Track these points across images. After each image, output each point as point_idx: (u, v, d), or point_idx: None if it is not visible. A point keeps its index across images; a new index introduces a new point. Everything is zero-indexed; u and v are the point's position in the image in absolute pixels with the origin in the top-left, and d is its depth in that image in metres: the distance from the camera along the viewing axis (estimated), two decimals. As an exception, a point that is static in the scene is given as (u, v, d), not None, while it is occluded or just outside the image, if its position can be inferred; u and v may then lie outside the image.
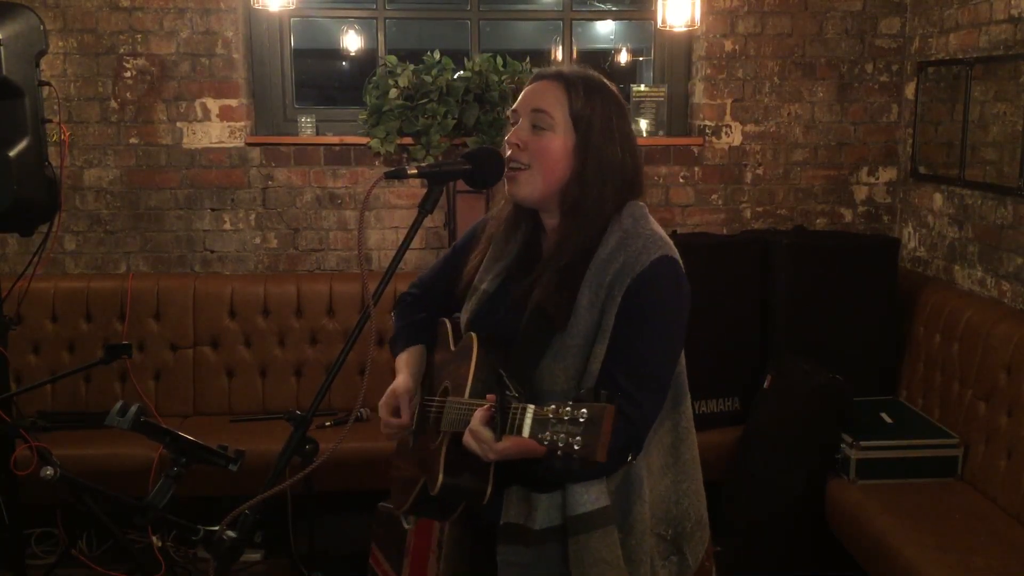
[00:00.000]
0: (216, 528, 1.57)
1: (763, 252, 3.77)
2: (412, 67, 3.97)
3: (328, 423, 3.53)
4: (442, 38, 4.66)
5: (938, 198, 3.87)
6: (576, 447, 1.33)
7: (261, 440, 3.29)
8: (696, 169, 4.18)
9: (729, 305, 3.64)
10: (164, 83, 3.95)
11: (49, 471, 2.16)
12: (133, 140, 3.98)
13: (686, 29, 3.93)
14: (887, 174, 4.25)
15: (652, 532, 1.69)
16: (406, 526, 2.02)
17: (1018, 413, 2.97)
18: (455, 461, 1.58)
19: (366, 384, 1.65)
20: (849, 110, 4.18)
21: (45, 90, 2.93)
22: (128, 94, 3.95)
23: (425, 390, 1.85)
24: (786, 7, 4.08)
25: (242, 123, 4.02)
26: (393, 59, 4.00)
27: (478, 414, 1.52)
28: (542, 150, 1.64)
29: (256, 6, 3.79)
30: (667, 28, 3.92)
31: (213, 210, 4.06)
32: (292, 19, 4.17)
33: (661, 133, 4.17)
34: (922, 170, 3.98)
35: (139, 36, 3.91)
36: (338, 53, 5.00)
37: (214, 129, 4.00)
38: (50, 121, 2.92)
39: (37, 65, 2.84)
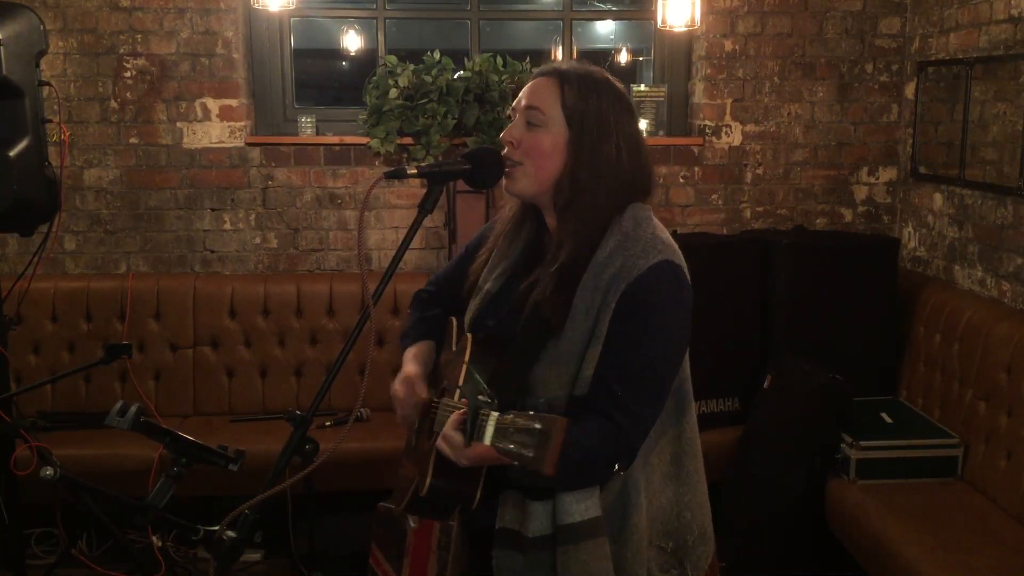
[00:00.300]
0: (216, 528, 1.57)
1: (763, 252, 3.77)
2: (412, 67, 3.97)
3: (328, 423, 3.53)
4: (442, 38, 4.66)
5: (938, 198, 3.87)
6: (528, 456, 1.34)
7: (261, 440, 3.29)
8: (696, 169, 4.18)
9: (729, 305, 3.64)
10: (164, 83, 3.95)
11: (49, 471, 2.16)
12: (133, 140, 3.99)
13: (686, 29, 3.93)
14: (887, 174, 4.25)
15: (652, 544, 1.67)
16: (411, 524, 2.02)
17: (1018, 413, 2.97)
18: (445, 464, 1.56)
19: (366, 384, 1.65)
20: (849, 110, 4.18)
21: (45, 90, 2.93)
22: (128, 94, 3.95)
23: (430, 388, 1.84)
24: (786, 7, 4.08)
25: (242, 123, 4.02)
26: (393, 59, 4.00)
27: (452, 418, 1.53)
28: (534, 146, 1.62)
29: (256, 6, 3.79)
30: (667, 28, 3.92)
31: (213, 210, 4.06)
32: (292, 19, 4.17)
33: (661, 133, 4.17)
34: (922, 170, 3.98)
35: (139, 36, 3.91)
36: (338, 53, 5.00)
37: (214, 129, 4.00)
38: (50, 121, 2.92)
39: (37, 65, 2.83)
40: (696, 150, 4.17)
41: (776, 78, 4.13)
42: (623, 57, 5.24)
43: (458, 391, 1.62)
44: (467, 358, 1.64)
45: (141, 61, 3.93)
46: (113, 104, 3.95)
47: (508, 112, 1.73)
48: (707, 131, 4.15)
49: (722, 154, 4.17)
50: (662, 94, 4.14)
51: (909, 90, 4.10)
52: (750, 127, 4.16)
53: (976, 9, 3.55)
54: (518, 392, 1.59)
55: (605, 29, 5.62)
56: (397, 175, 1.60)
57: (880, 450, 3.18)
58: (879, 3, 4.10)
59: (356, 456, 3.35)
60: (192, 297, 3.87)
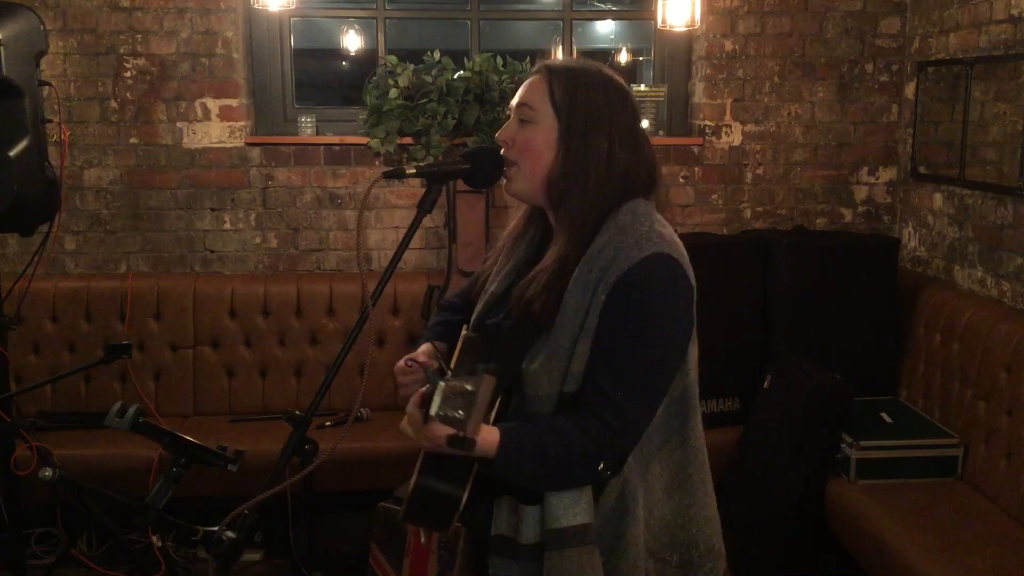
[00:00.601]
0: (216, 528, 1.57)
1: (763, 252, 3.77)
2: (412, 67, 3.97)
3: (328, 423, 3.53)
4: (442, 38, 4.66)
5: (938, 198, 3.87)
6: (459, 419, 1.30)
7: (261, 440, 3.29)
8: (696, 169, 4.18)
9: (729, 305, 3.64)
10: (164, 83, 3.95)
11: (48, 471, 2.16)
12: (133, 140, 3.99)
13: (686, 29, 3.93)
14: (887, 174, 4.25)
15: (655, 557, 1.61)
16: (422, 539, 1.97)
17: (1018, 413, 2.97)
18: (433, 462, 1.53)
19: (366, 384, 1.65)
20: (849, 110, 4.18)
21: (45, 90, 2.92)
22: (128, 94, 3.95)
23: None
24: (786, 7, 4.08)
25: (242, 123, 4.02)
26: (393, 59, 4.00)
27: (414, 398, 1.50)
28: (526, 143, 1.61)
29: (256, 6, 3.79)
30: (667, 28, 3.92)
31: (213, 210, 4.06)
32: (292, 19, 4.17)
33: (661, 133, 4.17)
34: (922, 170, 3.98)
35: (139, 36, 3.91)
36: (338, 53, 5.00)
37: (214, 129, 4.00)
38: (50, 121, 2.92)
39: (37, 65, 2.83)
40: (696, 150, 4.17)
41: (776, 78, 4.13)
42: (623, 57, 5.24)
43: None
44: (456, 353, 1.62)
45: (141, 61, 3.93)
46: (113, 104, 3.95)
47: (507, 112, 1.72)
48: (707, 131, 4.15)
49: (722, 154, 4.17)
50: (662, 94, 4.14)
51: (909, 90, 4.10)
52: (750, 127, 4.16)
53: (976, 9, 3.55)
54: (510, 388, 1.57)
55: (605, 29, 5.62)
56: (396, 175, 1.60)
57: (880, 450, 3.18)
58: (879, 3, 4.10)
59: (356, 456, 3.35)
60: (192, 297, 3.87)
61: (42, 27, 2.85)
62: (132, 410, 1.94)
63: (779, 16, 4.09)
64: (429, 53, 4.02)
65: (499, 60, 4.01)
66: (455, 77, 3.95)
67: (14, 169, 2.70)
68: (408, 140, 3.95)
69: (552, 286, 1.56)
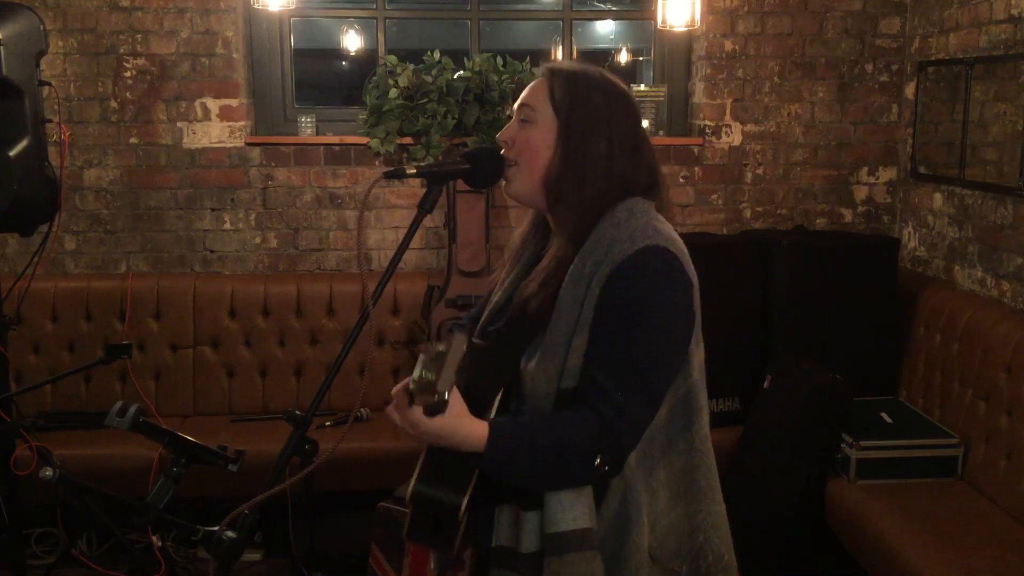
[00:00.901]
0: (216, 528, 1.57)
1: (763, 252, 3.77)
2: (412, 67, 3.97)
3: (328, 423, 3.53)
4: (442, 38, 4.66)
5: (938, 198, 3.87)
6: (431, 381, 1.29)
7: (261, 440, 3.29)
8: (696, 169, 4.18)
9: (729, 305, 3.64)
10: (164, 83, 3.95)
11: (49, 471, 2.16)
12: (133, 140, 3.99)
13: (686, 29, 3.93)
14: (887, 174, 4.25)
15: (662, 567, 1.58)
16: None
17: (1018, 413, 2.97)
18: (431, 467, 1.52)
19: (366, 384, 1.65)
20: (849, 110, 4.18)
21: (45, 90, 2.92)
22: (128, 94, 3.95)
23: None
24: (786, 7, 4.08)
25: (242, 123, 4.02)
26: (393, 59, 4.00)
27: (400, 383, 1.50)
28: (526, 143, 1.61)
29: (256, 6, 3.79)
30: (667, 28, 3.92)
31: (213, 210, 4.06)
32: (292, 19, 4.17)
33: (661, 133, 4.17)
34: (922, 170, 3.98)
35: (139, 36, 3.91)
36: (338, 53, 5.00)
37: (214, 129, 4.00)
38: (50, 121, 2.92)
39: (37, 65, 2.83)
40: (696, 150, 4.17)
41: (776, 78, 4.13)
42: (623, 57, 5.25)
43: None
44: (449, 354, 1.61)
45: (141, 61, 3.93)
46: (113, 104, 3.95)
47: (508, 113, 1.73)
48: (707, 131, 4.15)
49: (722, 154, 4.17)
50: (662, 94, 4.14)
51: (909, 90, 4.10)
52: (750, 127, 4.16)
53: (976, 9, 3.55)
54: (508, 389, 1.56)
55: (605, 29, 5.62)
56: (397, 175, 1.60)
57: (880, 450, 3.18)
58: (879, 3, 4.10)
59: (356, 456, 3.35)
60: (192, 297, 3.87)
61: (42, 27, 2.85)
62: (132, 410, 1.94)
63: (779, 16, 4.09)
64: (429, 53, 4.02)
65: (499, 60, 4.01)
66: (455, 77, 3.95)
67: (14, 169, 2.70)
68: (408, 140, 3.95)
69: (548, 284, 1.55)
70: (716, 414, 3.65)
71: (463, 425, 1.45)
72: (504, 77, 3.97)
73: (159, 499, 1.86)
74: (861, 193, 4.25)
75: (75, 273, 4.02)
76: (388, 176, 1.60)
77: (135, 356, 3.73)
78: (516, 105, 1.66)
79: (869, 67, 4.16)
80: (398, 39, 4.53)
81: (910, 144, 4.07)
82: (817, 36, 4.11)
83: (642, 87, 4.13)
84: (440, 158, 3.85)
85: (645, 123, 4.09)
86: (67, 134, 3.82)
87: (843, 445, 3.22)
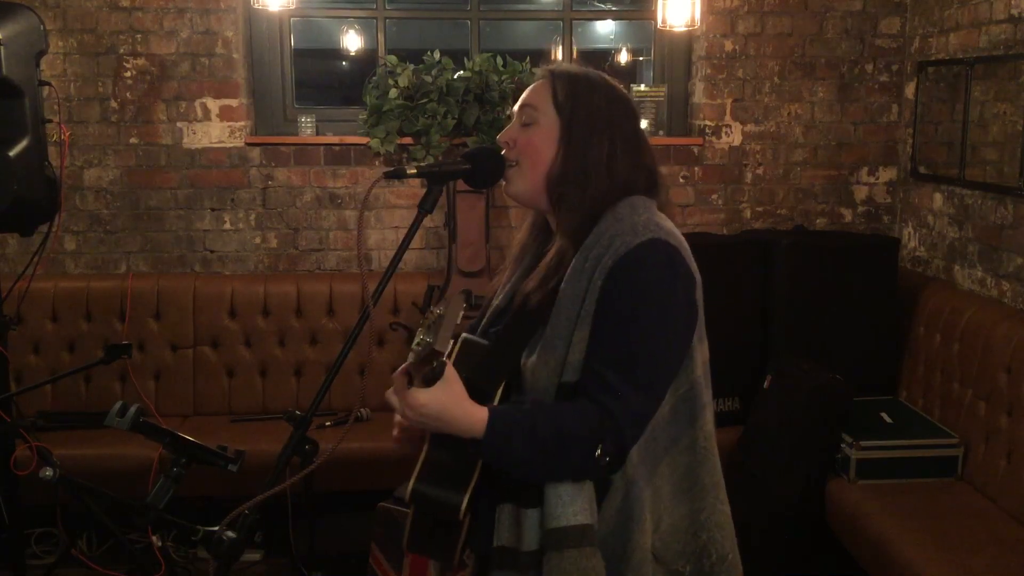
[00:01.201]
0: (216, 528, 1.57)
1: (763, 252, 3.77)
2: (412, 67, 3.97)
3: (328, 423, 3.53)
4: (442, 38, 4.66)
5: (938, 198, 3.87)
6: (429, 342, 1.30)
7: (261, 440, 3.29)
8: (696, 169, 4.18)
9: (729, 305, 3.64)
10: (164, 83, 3.95)
11: (49, 471, 2.16)
12: (133, 140, 3.99)
13: (686, 29, 3.93)
14: (887, 174, 4.25)
15: (666, 567, 1.57)
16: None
17: (1018, 413, 2.97)
18: (431, 471, 1.51)
19: (366, 384, 1.65)
20: (849, 110, 4.18)
21: (45, 90, 2.93)
22: (128, 94, 3.95)
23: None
24: (786, 7, 4.08)
25: (242, 123, 4.02)
26: (393, 59, 4.00)
27: (399, 368, 1.50)
28: (528, 143, 1.61)
29: (256, 6, 3.79)
30: (667, 28, 3.92)
31: (213, 210, 4.06)
32: (292, 19, 4.17)
33: (661, 133, 4.17)
34: (922, 170, 3.98)
35: (139, 36, 3.92)
36: (338, 53, 5.00)
37: (214, 129, 4.00)
38: (50, 121, 2.92)
39: (37, 65, 2.83)
40: (696, 150, 4.17)
41: (776, 78, 4.13)
42: (623, 57, 5.24)
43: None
44: (455, 354, 1.61)
45: (141, 61, 3.93)
46: (113, 104, 3.95)
47: (509, 113, 1.73)
48: (707, 131, 4.15)
49: (722, 154, 4.17)
50: (662, 94, 4.14)
51: (909, 90, 4.10)
52: (750, 127, 4.16)
53: (976, 9, 3.55)
54: (509, 384, 1.56)
55: (605, 29, 5.62)
56: (397, 175, 1.60)
57: (880, 450, 3.18)
58: (879, 3, 4.10)
59: (356, 456, 3.35)
60: (192, 297, 3.87)
61: (42, 27, 2.85)
62: (132, 410, 1.94)
63: (779, 16, 4.09)
64: (429, 53, 4.02)
65: (499, 60, 4.01)
66: (455, 77, 3.95)
67: (14, 169, 2.70)
68: (408, 140, 3.95)
69: (549, 279, 1.56)
70: (716, 414, 3.60)
71: (463, 409, 1.44)
72: (504, 77, 3.97)
73: (159, 499, 1.86)
74: (861, 193, 4.25)
75: (75, 273, 4.02)
76: (388, 176, 1.60)
77: (135, 356, 3.73)
78: (517, 106, 1.66)
79: (869, 67, 4.15)
80: (398, 39, 4.53)
81: (910, 144, 4.07)
82: (817, 36, 4.11)
83: (642, 87, 4.13)
84: (440, 158, 3.85)
85: (645, 123, 4.11)
86: (67, 134, 3.82)
87: (843, 445, 3.22)
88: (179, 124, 3.99)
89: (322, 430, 3.44)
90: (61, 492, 2.96)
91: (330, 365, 1.80)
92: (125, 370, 3.78)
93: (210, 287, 3.90)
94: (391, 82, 3.92)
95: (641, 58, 5.15)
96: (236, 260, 4.09)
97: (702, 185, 4.19)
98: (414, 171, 1.61)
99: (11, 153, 2.70)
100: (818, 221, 4.24)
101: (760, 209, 4.22)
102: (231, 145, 4.02)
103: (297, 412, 1.65)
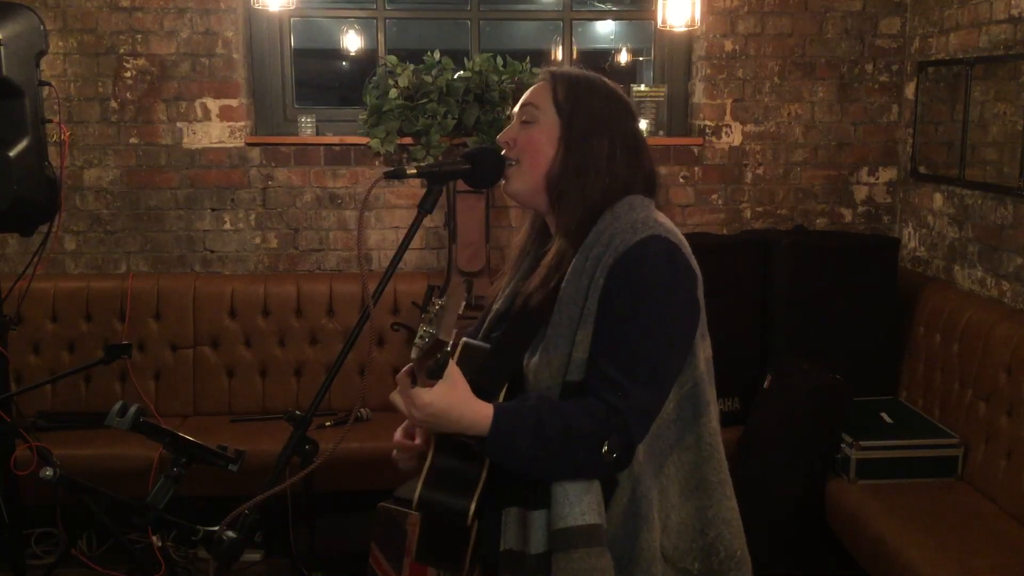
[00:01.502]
0: (216, 528, 1.57)
1: (763, 252, 3.77)
2: (412, 67, 3.97)
3: (328, 423, 3.53)
4: (442, 38, 4.66)
5: (938, 198, 3.87)
6: (432, 333, 1.30)
7: (261, 440, 3.29)
8: (696, 169, 4.18)
9: (729, 305, 3.64)
10: (164, 83, 3.95)
11: (49, 471, 2.16)
12: (133, 140, 3.99)
13: (686, 29, 3.93)
14: (887, 174, 4.25)
15: (675, 567, 1.57)
16: None
17: (1018, 413, 2.97)
18: (436, 477, 1.51)
19: (366, 384, 1.65)
20: (849, 110, 4.18)
21: (45, 90, 2.92)
22: (128, 94, 3.95)
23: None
24: (786, 7, 4.08)
25: (242, 123, 4.02)
26: (393, 59, 4.00)
27: (403, 369, 1.50)
28: (528, 141, 1.62)
29: (256, 6, 3.79)
30: (667, 28, 3.92)
31: (213, 210, 4.06)
32: (292, 19, 4.17)
33: (661, 133, 4.17)
34: (922, 170, 3.98)
35: (139, 36, 3.92)
36: (338, 53, 5.00)
37: (214, 129, 4.00)
38: (50, 121, 2.92)
39: (37, 65, 2.83)
40: (696, 150, 4.17)
41: (776, 78, 4.13)
42: (623, 57, 5.24)
43: None
44: (456, 356, 1.61)
45: (141, 61, 3.93)
46: (113, 104, 3.95)
47: (509, 113, 1.74)
48: (707, 131, 4.15)
49: (722, 154, 4.17)
50: (662, 94, 4.14)
51: (909, 90, 4.10)
52: (750, 127, 4.16)
53: (976, 9, 3.55)
54: (512, 386, 1.56)
55: (605, 29, 5.62)
56: (397, 175, 1.60)
57: (880, 450, 3.18)
58: (879, 3, 4.10)
59: (356, 456, 3.35)
60: (192, 297, 3.87)
61: (42, 27, 2.85)
62: (133, 410, 1.94)
63: (779, 16, 4.09)
64: (429, 53, 4.02)
65: (499, 60, 4.01)
66: (455, 77, 3.95)
67: (14, 169, 2.70)
68: (408, 140, 3.95)
69: (549, 279, 1.57)
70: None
71: (468, 406, 1.44)
72: (504, 77, 3.97)
73: (159, 499, 1.86)
74: (861, 193, 4.25)
75: (75, 273, 4.02)
76: (388, 176, 1.60)
77: (135, 356, 3.73)
78: (518, 106, 1.67)
79: (869, 67, 4.15)
80: (398, 39, 4.53)
81: (910, 144, 4.07)
82: (817, 36, 4.11)
83: (642, 87, 4.13)
84: (440, 158, 3.85)
85: (645, 123, 4.11)
86: (67, 134, 3.82)
87: (843, 445, 3.22)
88: (179, 124, 3.99)
89: (322, 430, 3.44)
90: (61, 492, 2.96)
91: (330, 365, 1.80)
92: (125, 370, 3.78)
93: (210, 287, 3.90)
94: (391, 82, 3.92)
95: (641, 58, 5.15)
96: (236, 260, 4.09)
97: (702, 185, 4.19)
98: (414, 171, 1.61)
99: (11, 153, 2.70)
100: (818, 221, 4.24)
101: (760, 209, 4.22)
102: (231, 145, 4.02)
103: (297, 412, 1.65)
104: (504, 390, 1.55)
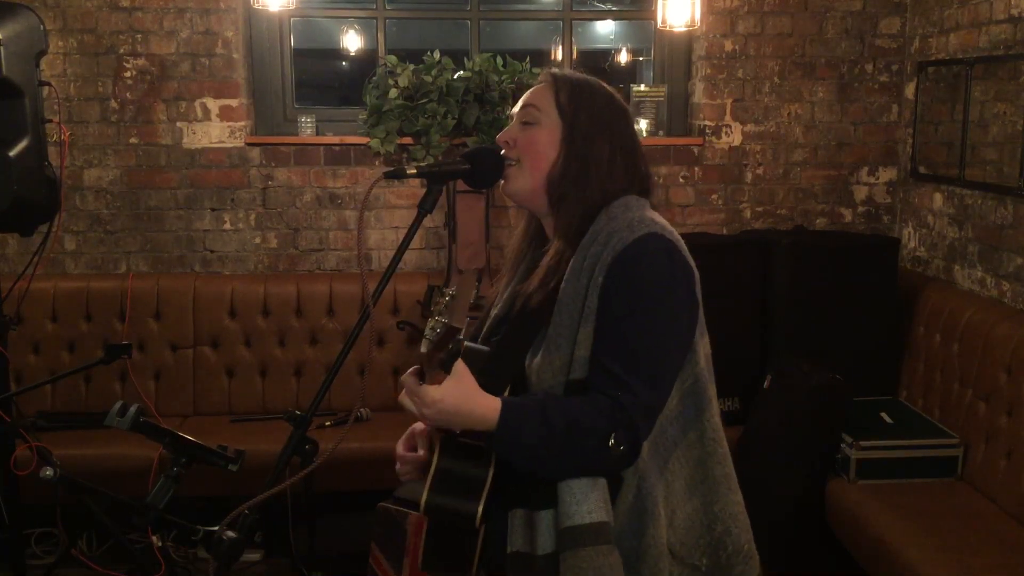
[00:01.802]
0: (216, 528, 1.57)
1: (763, 252, 3.77)
2: (412, 67, 3.97)
3: (328, 423, 3.53)
4: (442, 38, 4.66)
5: (938, 198, 3.87)
6: (444, 322, 1.31)
7: (261, 440, 3.29)
8: (696, 169, 4.18)
9: (729, 305, 3.64)
10: (164, 83, 3.95)
11: (49, 471, 2.16)
12: (133, 140, 3.99)
13: (686, 29, 3.93)
14: (887, 174, 4.25)
15: (683, 563, 1.57)
16: None
17: (1018, 413, 2.97)
18: (443, 482, 1.51)
19: (366, 384, 1.65)
20: (849, 110, 4.18)
21: (45, 90, 2.92)
22: (128, 94, 3.95)
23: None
24: (786, 7, 4.08)
25: (242, 123, 4.02)
26: (393, 59, 4.00)
27: (409, 370, 1.51)
28: (529, 142, 1.63)
29: (256, 6, 3.79)
30: (667, 28, 3.92)
31: (213, 210, 4.06)
32: (292, 19, 4.17)
33: (661, 133, 4.17)
34: (922, 170, 3.98)
35: (139, 36, 3.92)
36: (338, 53, 5.00)
37: (214, 129, 4.00)
38: (50, 121, 2.92)
39: (37, 65, 2.83)
40: (696, 150, 4.17)
41: (776, 78, 4.13)
42: (623, 57, 5.24)
43: None
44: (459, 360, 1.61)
45: (141, 61, 3.93)
46: (113, 104, 3.95)
47: (509, 113, 1.74)
48: (707, 131, 4.15)
49: (722, 154, 4.17)
50: (662, 94, 4.14)
51: (909, 90, 4.10)
52: (750, 127, 4.16)
53: (976, 9, 3.55)
54: (515, 387, 1.57)
55: (605, 29, 5.62)
56: (397, 175, 1.60)
57: (880, 450, 3.18)
58: (879, 3, 4.10)
59: (356, 456, 3.35)
60: (192, 297, 3.87)
61: (42, 27, 2.85)
62: (133, 410, 1.93)
63: (779, 16, 4.09)
64: (429, 53, 4.01)
65: (499, 60, 4.01)
66: (455, 77, 3.95)
67: (14, 169, 2.69)
68: (408, 140, 3.95)
69: (548, 280, 1.58)
70: (716, 414, 3.65)
71: (476, 401, 1.45)
72: (504, 77, 3.97)
73: (159, 499, 1.85)
74: (861, 193, 4.25)
75: (75, 273, 4.02)
76: (388, 176, 1.60)
77: (135, 356, 3.73)
78: (519, 106, 1.68)
79: (869, 67, 4.16)
80: (398, 39, 4.52)
81: (910, 144, 4.07)
82: (817, 36, 4.11)
83: (642, 87, 4.13)
84: (440, 158, 3.85)
85: (645, 124, 4.12)
86: (67, 134, 3.82)
87: (843, 445, 3.22)
88: (179, 124, 3.99)
89: (322, 430, 3.44)
90: (61, 492, 2.96)
91: (330, 365, 1.80)
92: (125, 370, 3.78)
93: (210, 287, 3.90)
94: (391, 82, 3.92)
95: (641, 58, 5.15)
96: (236, 260, 4.09)
97: (702, 185, 4.19)
98: (414, 171, 1.61)
99: (11, 153, 2.70)
100: (818, 221, 4.24)
101: (760, 209, 4.22)
102: (231, 145, 4.02)
103: (297, 412, 1.65)
104: (507, 392, 1.55)
